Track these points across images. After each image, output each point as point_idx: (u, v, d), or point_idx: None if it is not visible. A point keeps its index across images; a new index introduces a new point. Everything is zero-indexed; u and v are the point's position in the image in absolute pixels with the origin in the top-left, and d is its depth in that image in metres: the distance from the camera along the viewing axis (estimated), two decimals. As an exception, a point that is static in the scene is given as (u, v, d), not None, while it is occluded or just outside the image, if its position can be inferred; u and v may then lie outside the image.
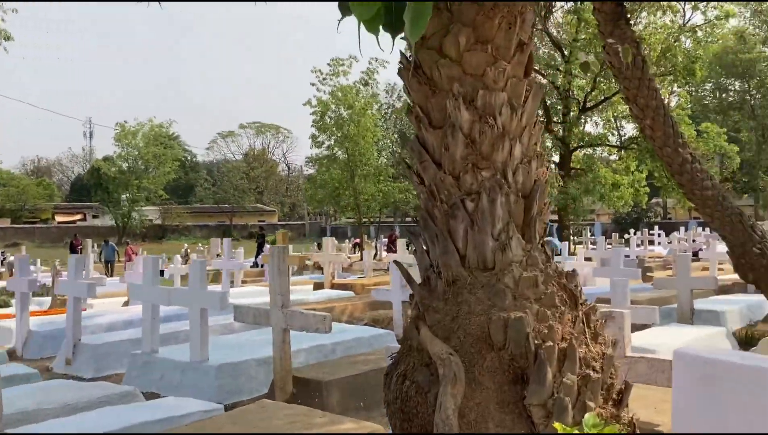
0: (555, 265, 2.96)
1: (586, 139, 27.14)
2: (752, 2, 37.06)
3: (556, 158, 27.73)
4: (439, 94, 2.98)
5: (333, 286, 13.52)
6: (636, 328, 7.58)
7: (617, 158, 29.79)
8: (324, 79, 27.09)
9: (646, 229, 29.19)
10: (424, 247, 3.08)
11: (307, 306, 9.81)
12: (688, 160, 8.65)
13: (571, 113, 26.55)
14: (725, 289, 11.05)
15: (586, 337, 2.76)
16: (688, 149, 8.78)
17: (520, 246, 2.85)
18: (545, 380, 2.54)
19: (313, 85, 27.06)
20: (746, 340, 7.96)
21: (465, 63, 2.93)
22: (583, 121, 30.45)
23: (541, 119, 24.53)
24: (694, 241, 22.59)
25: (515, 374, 2.64)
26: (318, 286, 13.77)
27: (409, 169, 3.21)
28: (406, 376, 2.85)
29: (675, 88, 32.34)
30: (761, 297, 8.28)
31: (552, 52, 27.71)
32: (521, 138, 2.96)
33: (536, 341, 2.61)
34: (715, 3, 24.88)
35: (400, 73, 3.13)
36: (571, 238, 27.92)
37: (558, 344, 2.64)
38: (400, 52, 3.20)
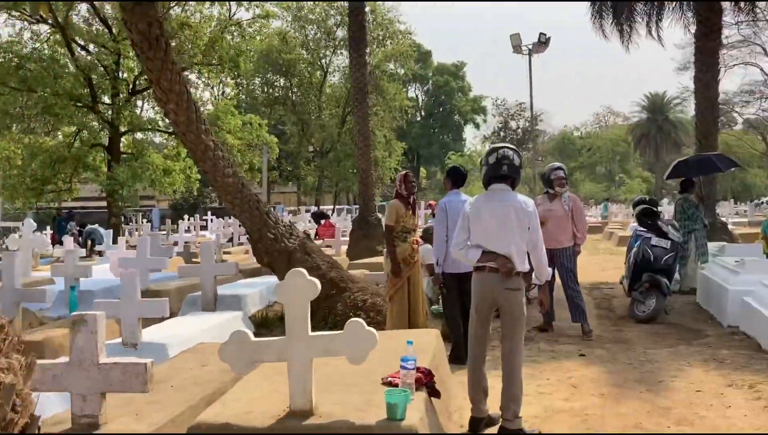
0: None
1: (137, 122, 26.07)
2: (293, 7, 40.97)
3: (105, 141, 26.05)
4: None
5: None
6: (156, 320, 7.31)
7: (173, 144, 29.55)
8: None
9: (199, 215, 29.69)
10: None
11: None
12: (211, 147, 8.73)
13: (121, 95, 25.19)
14: (254, 273, 11.62)
15: (-17, 364, 2.20)
16: (212, 137, 8.87)
17: None
18: None
19: None
20: (262, 322, 8.40)
21: None
22: (139, 104, 29.33)
23: (87, 100, 22.72)
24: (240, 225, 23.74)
25: None
26: None
27: None
28: None
29: (229, 80, 33.68)
30: (277, 279, 8.89)
31: (101, 28, 25.77)
32: None
33: None
34: (257, 2, 26.51)
35: None
36: (122, 225, 26.67)
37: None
38: None
